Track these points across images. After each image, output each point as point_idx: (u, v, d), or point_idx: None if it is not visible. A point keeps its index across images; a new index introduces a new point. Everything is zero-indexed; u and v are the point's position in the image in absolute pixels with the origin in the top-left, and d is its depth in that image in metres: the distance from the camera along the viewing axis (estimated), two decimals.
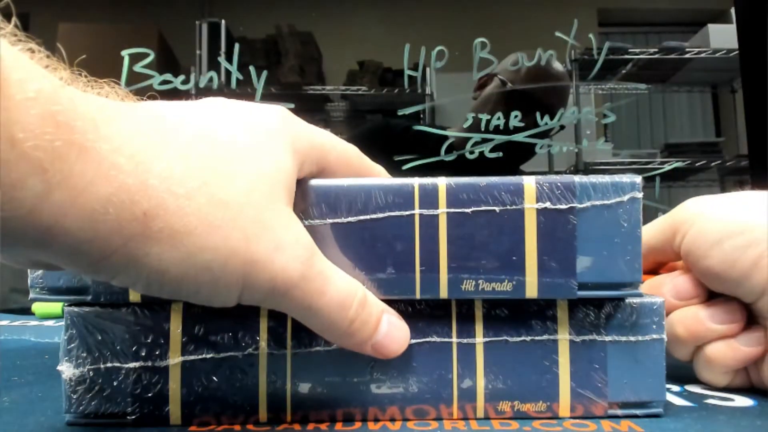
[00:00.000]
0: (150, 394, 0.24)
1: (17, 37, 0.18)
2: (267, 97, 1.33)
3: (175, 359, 0.24)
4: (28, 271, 0.24)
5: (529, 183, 0.24)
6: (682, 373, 0.31)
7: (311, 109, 1.78)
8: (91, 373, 0.24)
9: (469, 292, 0.24)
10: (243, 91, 1.31)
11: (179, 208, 0.19)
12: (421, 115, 1.58)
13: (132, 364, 0.24)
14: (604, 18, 2.03)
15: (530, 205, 0.24)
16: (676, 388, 0.30)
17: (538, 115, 1.21)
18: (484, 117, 1.21)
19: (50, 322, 0.61)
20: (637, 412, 0.25)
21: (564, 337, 0.24)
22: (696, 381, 0.30)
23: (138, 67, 1.19)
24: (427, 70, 1.46)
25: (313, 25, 1.76)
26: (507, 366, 0.24)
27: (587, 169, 1.65)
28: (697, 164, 1.72)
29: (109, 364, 0.24)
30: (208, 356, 0.24)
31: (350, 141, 0.26)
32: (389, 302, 0.24)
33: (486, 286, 0.24)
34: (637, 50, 1.70)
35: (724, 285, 0.28)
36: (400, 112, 1.38)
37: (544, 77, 1.22)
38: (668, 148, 1.88)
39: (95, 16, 1.64)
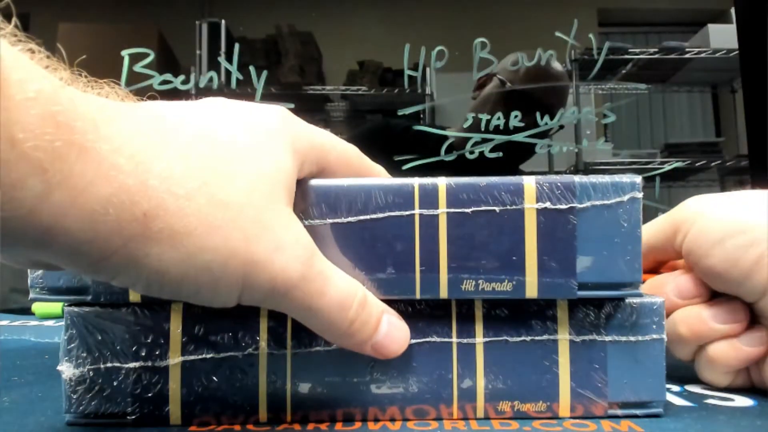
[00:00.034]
0: (150, 394, 0.24)
1: (17, 37, 0.18)
2: (267, 97, 1.33)
3: (175, 359, 0.24)
4: (28, 271, 0.24)
5: (529, 183, 0.24)
6: (682, 373, 0.31)
7: (311, 109, 1.78)
8: (91, 373, 0.24)
9: (469, 292, 0.24)
10: (243, 91, 1.31)
11: (179, 209, 0.19)
12: (421, 115, 1.58)
13: (132, 364, 0.24)
14: (604, 18, 2.03)
15: (530, 205, 0.24)
16: (676, 388, 0.30)
17: (538, 115, 1.21)
18: (484, 117, 1.21)
19: (50, 322, 0.61)
20: (637, 412, 0.25)
21: (564, 337, 0.24)
22: (696, 381, 0.30)
23: (138, 67, 1.19)
24: (427, 70, 1.46)
25: (313, 25, 1.76)
26: (507, 366, 0.24)
27: (587, 169, 1.64)
28: (697, 164, 1.72)
29: (109, 364, 0.24)
30: (208, 356, 0.24)
31: (350, 141, 0.26)
32: (389, 302, 0.24)
33: (486, 286, 0.24)
34: (637, 50, 1.70)
35: (726, 284, 0.28)
36: (400, 112, 1.38)
37: (543, 77, 1.22)
38: (668, 148, 1.88)
39: (95, 16, 1.64)
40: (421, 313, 0.25)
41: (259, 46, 1.72)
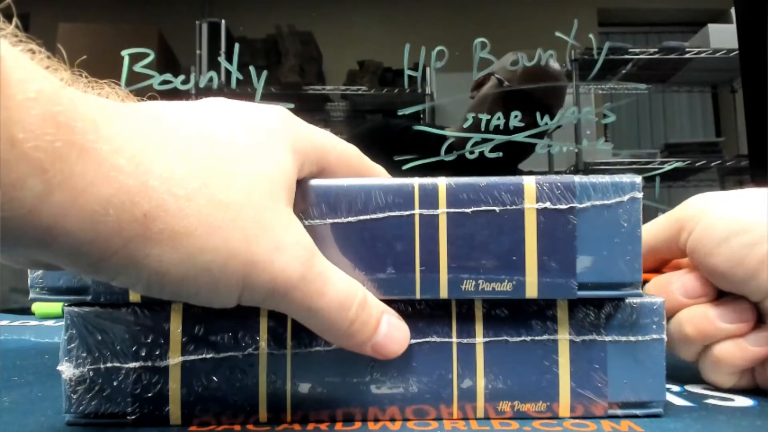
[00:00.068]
0: (150, 394, 0.24)
1: (18, 37, 0.18)
2: (267, 97, 1.33)
3: (175, 359, 0.24)
4: (28, 271, 0.24)
5: (529, 183, 0.24)
6: (682, 373, 0.31)
7: (311, 109, 1.78)
8: (91, 373, 0.24)
9: (469, 292, 0.24)
10: (243, 91, 1.31)
11: (179, 210, 0.19)
12: (421, 115, 1.58)
13: (132, 364, 0.24)
14: (604, 18, 2.03)
15: (530, 205, 0.24)
16: (676, 388, 0.30)
17: (538, 115, 1.21)
18: (484, 117, 1.21)
19: (50, 322, 0.61)
20: (637, 412, 0.25)
21: (564, 337, 0.24)
22: (696, 381, 0.30)
23: (138, 67, 1.19)
24: (427, 70, 1.46)
25: (313, 25, 1.76)
26: (507, 366, 0.24)
27: (587, 169, 1.64)
28: (697, 164, 1.72)
29: (109, 364, 0.24)
30: (208, 356, 0.24)
31: (350, 141, 0.26)
32: (389, 302, 0.24)
33: (486, 286, 0.24)
34: (637, 50, 1.70)
35: (731, 283, 0.28)
36: (400, 112, 1.38)
37: (540, 76, 1.22)
38: (668, 148, 1.88)
39: (95, 16, 1.64)
40: (421, 313, 0.25)
41: (259, 46, 1.72)
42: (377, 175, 0.27)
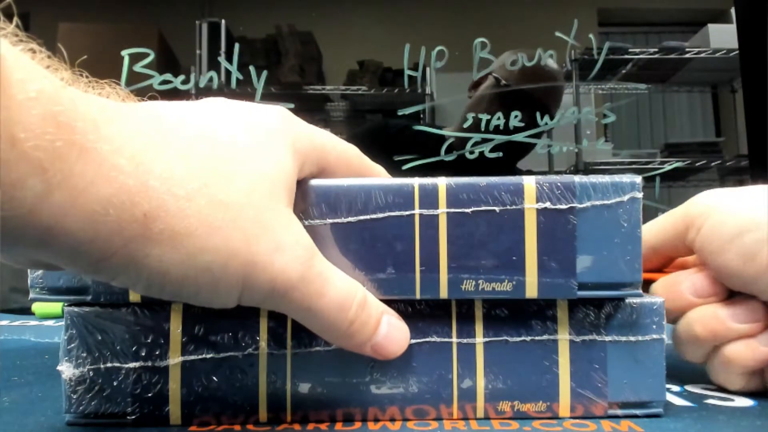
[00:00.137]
0: (150, 394, 0.24)
1: (18, 37, 0.18)
2: (267, 97, 1.33)
3: (175, 359, 0.24)
4: (28, 271, 0.24)
5: (529, 183, 0.24)
6: (682, 373, 0.31)
7: (311, 109, 1.78)
8: (91, 373, 0.24)
9: (469, 292, 0.24)
10: (243, 91, 1.31)
11: (180, 210, 0.19)
12: (421, 115, 1.58)
13: (132, 364, 0.24)
14: (604, 18, 2.03)
15: (530, 205, 0.24)
16: (676, 388, 0.30)
17: (538, 114, 1.21)
18: (484, 117, 1.21)
19: (50, 322, 0.61)
20: (637, 412, 0.25)
21: (564, 337, 0.24)
22: (696, 381, 0.30)
23: (138, 67, 1.19)
24: (427, 70, 1.46)
25: (313, 25, 1.76)
26: (507, 366, 0.24)
27: (587, 169, 1.65)
28: (697, 164, 1.72)
29: (109, 364, 0.24)
30: (208, 356, 0.24)
31: (349, 141, 0.26)
32: (389, 302, 0.24)
33: (486, 286, 0.24)
34: (637, 50, 1.70)
35: (741, 281, 0.27)
36: (400, 112, 1.38)
37: (537, 76, 1.22)
38: (668, 148, 1.88)
39: (95, 16, 1.64)
40: (421, 313, 0.25)
41: (259, 46, 1.72)
42: (377, 175, 0.27)
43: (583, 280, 0.24)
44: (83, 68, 0.21)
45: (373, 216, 0.24)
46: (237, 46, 1.32)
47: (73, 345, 0.24)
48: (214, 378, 0.24)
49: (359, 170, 0.26)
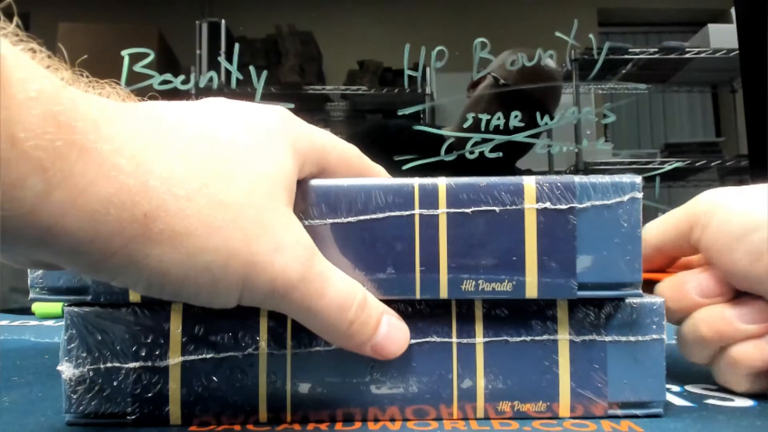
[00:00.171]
0: (150, 394, 0.24)
1: (19, 37, 0.18)
2: (267, 97, 1.33)
3: (175, 359, 0.24)
4: (28, 271, 0.24)
5: (529, 183, 0.24)
6: (682, 373, 0.31)
7: (311, 109, 1.78)
8: (91, 373, 0.24)
9: (469, 292, 0.24)
10: (243, 91, 1.31)
11: (180, 210, 0.19)
12: (421, 115, 1.58)
13: (132, 364, 0.24)
14: (604, 18, 2.03)
15: (530, 205, 0.24)
16: (676, 388, 0.30)
17: (538, 114, 1.22)
18: (484, 117, 1.21)
19: (50, 322, 0.61)
20: (637, 412, 0.25)
21: (564, 337, 0.24)
22: (696, 381, 0.30)
23: (138, 67, 1.19)
24: (427, 70, 1.46)
25: (313, 25, 1.76)
26: (507, 366, 0.24)
27: (587, 169, 1.64)
28: (697, 164, 1.72)
29: (109, 364, 0.24)
30: (208, 356, 0.24)
31: (348, 141, 0.26)
32: (389, 302, 0.24)
33: (486, 286, 0.24)
34: (637, 50, 1.70)
35: (748, 281, 0.26)
36: (400, 112, 1.38)
37: (535, 75, 1.22)
38: (668, 148, 1.88)
39: (95, 16, 1.64)
40: (421, 313, 0.25)
41: (259, 46, 1.72)
42: (377, 175, 0.27)
43: (583, 280, 0.24)
44: (83, 68, 0.21)
45: (373, 216, 0.24)
46: (237, 46, 1.32)
47: (73, 345, 0.24)
48: (214, 378, 0.24)
49: (359, 170, 0.26)
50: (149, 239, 0.18)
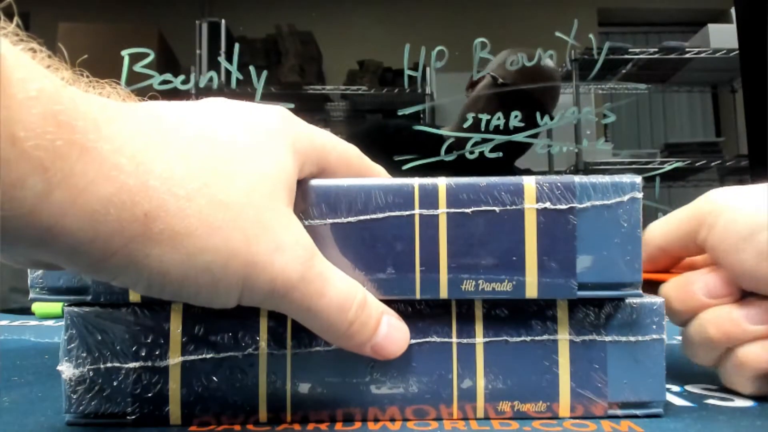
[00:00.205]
0: (150, 394, 0.24)
1: (19, 36, 0.18)
2: (267, 97, 1.33)
3: (175, 359, 0.24)
4: (28, 271, 0.24)
5: (529, 183, 0.24)
6: (682, 373, 0.31)
7: (311, 109, 1.78)
8: (91, 373, 0.24)
9: (469, 292, 0.24)
10: (243, 91, 1.31)
11: (180, 210, 0.19)
12: (421, 115, 1.58)
13: (132, 364, 0.24)
14: (604, 18, 2.03)
15: (530, 205, 0.24)
16: (676, 388, 0.30)
17: (538, 114, 1.22)
18: (484, 117, 1.21)
19: (50, 322, 0.61)
20: (637, 412, 0.25)
21: (564, 337, 0.24)
22: (696, 381, 0.30)
23: (138, 67, 1.19)
24: (427, 70, 1.46)
25: (313, 25, 1.76)
26: (507, 366, 0.24)
27: (587, 169, 1.64)
28: (697, 164, 1.72)
29: (109, 364, 0.24)
30: (208, 356, 0.24)
31: (347, 141, 0.26)
32: (389, 302, 0.24)
33: (486, 286, 0.24)
34: (637, 50, 1.70)
35: (756, 281, 0.26)
36: (400, 112, 1.38)
37: (533, 74, 1.22)
38: (668, 148, 1.88)
39: (95, 16, 1.64)
40: (421, 313, 0.25)
41: (259, 46, 1.72)
42: (377, 175, 0.27)
43: (583, 280, 0.24)
44: (83, 68, 0.21)
45: (373, 216, 0.24)
46: (237, 46, 1.32)
47: (73, 345, 0.24)
48: (214, 378, 0.24)
49: (359, 170, 0.26)
50: (149, 239, 0.18)
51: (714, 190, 0.29)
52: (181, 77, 1.26)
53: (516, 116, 1.22)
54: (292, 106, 0.93)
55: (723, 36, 1.70)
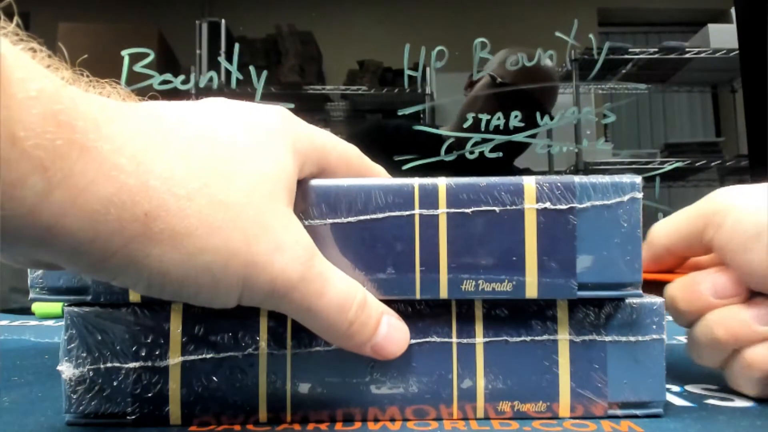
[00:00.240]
0: (150, 394, 0.24)
1: (19, 36, 0.18)
2: (267, 97, 1.33)
3: (175, 359, 0.24)
4: (28, 271, 0.24)
5: (529, 183, 0.24)
6: (682, 373, 0.31)
7: (311, 109, 1.78)
8: (91, 373, 0.24)
9: (469, 292, 0.24)
10: (243, 91, 1.31)
11: (180, 210, 0.19)
12: (421, 115, 1.58)
13: (132, 364, 0.24)
14: (604, 18, 2.03)
15: (530, 206, 0.24)
16: (676, 388, 0.30)
17: (538, 115, 1.22)
18: (485, 117, 1.21)
19: (50, 322, 0.61)
20: (637, 412, 0.25)
21: (564, 337, 0.24)
22: (696, 381, 0.30)
23: (138, 67, 1.19)
24: (427, 70, 1.46)
25: (313, 25, 1.76)
26: (507, 366, 0.24)
27: (587, 169, 1.64)
28: (697, 164, 1.72)
29: (109, 364, 0.24)
30: (208, 356, 0.24)
31: (346, 141, 0.26)
32: (389, 302, 0.24)
33: (486, 286, 0.24)
34: (637, 50, 1.70)
35: (765, 281, 0.26)
36: (400, 112, 1.38)
37: (531, 74, 1.22)
38: (668, 148, 1.88)
39: (95, 16, 1.64)
40: (421, 313, 0.25)
41: (259, 46, 1.72)
42: (377, 176, 0.27)
43: (583, 281, 0.24)
44: (83, 68, 0.21)
45: (373, 216, 0.24)
46: (237, 46, 1.32)
47: (73, 345, 0.24)
48: (214, 378, 0.24)
49: (359, 170, 0.26)
50: (149, 239, 0.18)
51: (721, 189, 0.28)
52: (181, 77, 1.27)
53: (516, 116, 1.22)
54: (292, 106, 0.93)
55: (723, 36, 1.70)
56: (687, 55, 1.72)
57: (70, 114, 0.17)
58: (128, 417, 0.24)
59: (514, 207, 0.24)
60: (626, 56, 1.68)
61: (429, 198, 0.24)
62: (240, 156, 0.21)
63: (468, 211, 0.24)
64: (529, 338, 0.24)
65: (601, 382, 0.24)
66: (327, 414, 0.24)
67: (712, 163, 1.73)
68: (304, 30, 1.76)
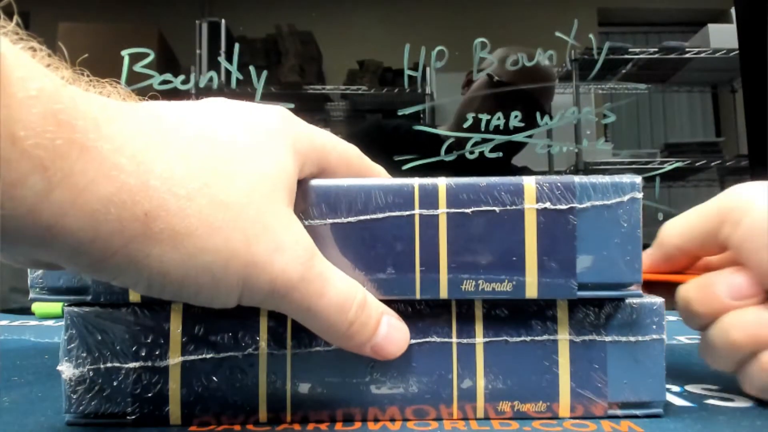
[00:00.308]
0: (150, 394, 0.24)
1: (19, 35, 0.18)
2: (267, 97, 1.33)
3: (175, 359, 0.24)
4: (28, 271, 0.24)
5: (529, 183, 0.24)
6: (682, 373, 0.31)
7: (311, 109, 1.78)
8: (91, 373, 0.24)
9: (469, 292, 0.24)
10: (243, 91, 1.31)
11: (180, 209, 0.19)
12: (421, 115, 1.58)
13: (132, 364, 0.24)
14: (604, 18, 2.03)
15: (530, 206, 0.24)
16: (676, 388, 0.30)
17: (538, 114, 1.22)
18: (484, 117, 1.21)
19: (50, 322, 0.61)
20: (637, 412, 0.25)
21: (564, 337, 0.24)
22: (696, 381, 0.30)
23: (138, 67, 1.19)
24: (427, 70, 1.46)
25: (313, 25, 1.76)
26: (507, 366, 0.24)
27: (587, 169, 1.64)
28: (697, 164, 1.72)
29: (109, 364, 0.24)
30: (208, 356, 0.24)
31: (346, 141, 0.26)
32: (389, 302, 0.24)
33: (486, 286, 0.24)
34: (637, 50, 1.70)
35: None
36: (400, 112, 1.38)
37: (528, 72, 1.22)
38: (668, 148, 1.88)
39: (95, 16, 1.64)
40: (421, 313, 0.25)
41: (259, 46, 1.72)
42: (377, 176, 0.27)
43: (583, 281, 0.24)
44: (83, 68, 0.21)
45: (373, 216, 0.24)
46: (237, 46, 1.32)
47: (73, 345, 0.24)
48: (214, 378, 0.24)
49: (359, 170, 0.26)
50: (150, 239, 0.18)
51: (738, 185, 0.27)
52: (181, 77, 1.27)
53: (516, 116, 1.22)
54: (292, 106, 0.93)
55: (723, 36, 1.70)
56: (687, 55, 1.72)
57: (70, 113, 0.17)
58: (128, 417, 0.24)
59: (514, 207, 0.24)
60: (626, 56, 1.68)
61: (429, 198, 0.24)
62: (240, 156, 0.21)
63: (468, 211, 0.24)
64: (529, 338, 0.24)
65: (601, 382, 0.24)
66: (327, 414, 0.24)
67: (712, 163, 1.73)
68: (304, 30, 1.76)
